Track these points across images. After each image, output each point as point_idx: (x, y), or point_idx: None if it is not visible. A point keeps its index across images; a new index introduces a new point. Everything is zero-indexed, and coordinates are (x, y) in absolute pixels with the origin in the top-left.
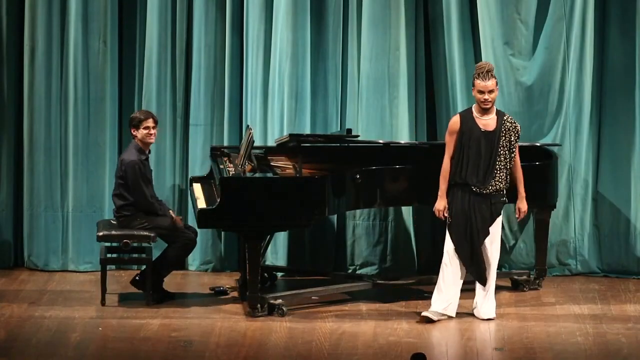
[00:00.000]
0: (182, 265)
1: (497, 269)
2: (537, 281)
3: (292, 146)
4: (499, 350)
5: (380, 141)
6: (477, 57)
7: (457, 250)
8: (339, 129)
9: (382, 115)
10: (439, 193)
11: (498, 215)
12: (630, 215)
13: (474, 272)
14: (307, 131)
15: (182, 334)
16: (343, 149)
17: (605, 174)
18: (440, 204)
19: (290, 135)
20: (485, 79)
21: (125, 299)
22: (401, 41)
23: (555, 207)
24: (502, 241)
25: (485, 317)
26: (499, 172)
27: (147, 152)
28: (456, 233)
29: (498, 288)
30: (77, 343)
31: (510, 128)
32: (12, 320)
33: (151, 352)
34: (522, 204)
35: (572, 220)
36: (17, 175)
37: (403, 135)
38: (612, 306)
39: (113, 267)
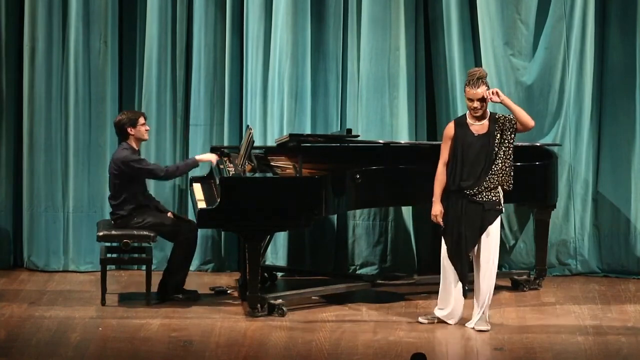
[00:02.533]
0: (190, 262)
1: (497, 268)
2: (537, 281)
3: (292, 146)
4: (499, 350)
5: (380, 141)
6: (477, 57)
7: (449, 256)
8: (339, 129)
9: (382, 115)
10: (434, 198)
11: (490, 224)
12: (630, 215)
13: (460, 277)
14: (307, 131)
15: (182, 334)
16: (343, 149)
17: (605, 174)
18: (436, 209)
19: (290, 135)
20: (475, 87)
21: (125, 299)
22: (401, 41)
23: (555, 207)
24: (502, 241)
25: (478, 329)
26: (493, 174)
27: (138, 151)
28: (450, 240)
29: (498, 288)
30: (77, 343)
31: (504, 121)
32: (12, 320)
33: (151, 352)
34: (503, 97)
35: (572, 220)
36: (17, 175)
37: (403, 135)
38: (612, 306)
39: (113, 267)
